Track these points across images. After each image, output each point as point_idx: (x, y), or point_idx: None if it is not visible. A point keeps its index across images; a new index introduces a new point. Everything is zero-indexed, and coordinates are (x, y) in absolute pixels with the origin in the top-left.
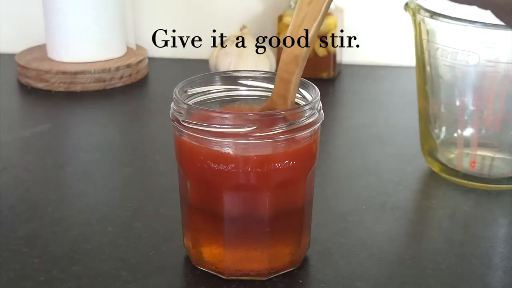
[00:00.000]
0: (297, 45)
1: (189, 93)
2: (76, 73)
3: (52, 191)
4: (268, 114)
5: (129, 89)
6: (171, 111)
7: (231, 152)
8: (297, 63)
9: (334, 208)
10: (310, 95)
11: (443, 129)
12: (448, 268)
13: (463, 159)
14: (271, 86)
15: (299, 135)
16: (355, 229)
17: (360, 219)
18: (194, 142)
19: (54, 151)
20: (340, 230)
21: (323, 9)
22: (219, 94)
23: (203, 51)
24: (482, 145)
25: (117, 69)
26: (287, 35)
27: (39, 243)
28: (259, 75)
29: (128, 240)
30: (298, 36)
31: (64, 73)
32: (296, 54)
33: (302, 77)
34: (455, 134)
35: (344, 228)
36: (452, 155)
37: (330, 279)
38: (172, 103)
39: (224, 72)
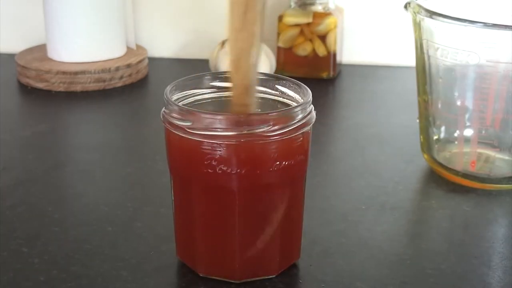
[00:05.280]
0: (245, 76)
1: (180, 95)
2: (76, 73)
3: (52, 191)
4: (259, 116)
5: (129, 89)
6: (162, 112)
7: (223, 155)
8: (249, 93)
9: (334, 208)
10: (302, 97)
11: (443, 129)
12: (448, 268)
13: (463, 159)
14: (262, 88)
15: (291, 136)
16: (355, 229)
17: (360, 219)
18: (190, 146)
19: (54, 151)
20: (340, 230)
21: (257, 31)
22: (211, 95)
23: (203, 51)
24: (482, 145)
25: (117, 69)
26: (230, 70)
27: (39, 243)
28: None
29: (128, 240)
30: (242, 67)
31: (64, 73)
32: (246, 85)
33: (300, 77)
34: (455, 134)
35: (344, 228)
36: (452, 155)
37: (330, 279)
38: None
39: (217, 73)
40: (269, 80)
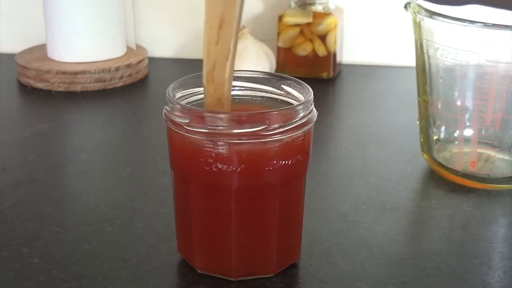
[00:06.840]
0: (218, 88)
1: (182, 93)
2: (76, 73)
3: (52, 191)
4: (258, 114)
5: (129, 89)
6: (164, 111)
7: (219, 152)
8: (222, 104)
9: (334, 208)
10: (304, 95)
11: (443, 129)
12: (448, 268)
13: (463, 159)
14: (263, 87)
15: (292, 135)
16: (355, 229)
17: (360, 219)
18: (189, 143)
19: (54, 151)
20: (340, 230)
21: (231, 45)
22: None
23: None
24: (482, 145)
25: (117, 69)
26: (203, 82)
27: (39, 243)
28: (251, 76)
29: (128, 240)
30: (215, 79)
31: (64, 73)
32: (218, 97)
33: (300, 77)
34: (455, 134)
35: (344, 228)
36: (452, 155)
37: (330, 279)
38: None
39: None
40: (275, 80)
